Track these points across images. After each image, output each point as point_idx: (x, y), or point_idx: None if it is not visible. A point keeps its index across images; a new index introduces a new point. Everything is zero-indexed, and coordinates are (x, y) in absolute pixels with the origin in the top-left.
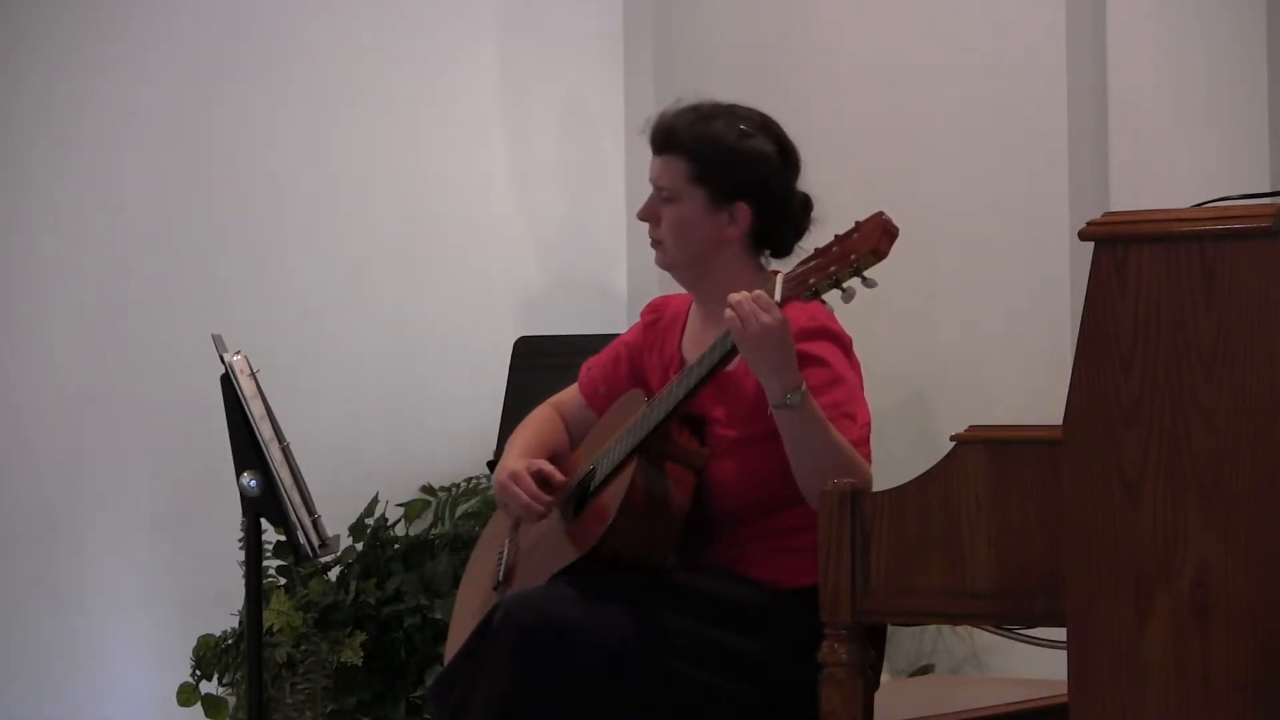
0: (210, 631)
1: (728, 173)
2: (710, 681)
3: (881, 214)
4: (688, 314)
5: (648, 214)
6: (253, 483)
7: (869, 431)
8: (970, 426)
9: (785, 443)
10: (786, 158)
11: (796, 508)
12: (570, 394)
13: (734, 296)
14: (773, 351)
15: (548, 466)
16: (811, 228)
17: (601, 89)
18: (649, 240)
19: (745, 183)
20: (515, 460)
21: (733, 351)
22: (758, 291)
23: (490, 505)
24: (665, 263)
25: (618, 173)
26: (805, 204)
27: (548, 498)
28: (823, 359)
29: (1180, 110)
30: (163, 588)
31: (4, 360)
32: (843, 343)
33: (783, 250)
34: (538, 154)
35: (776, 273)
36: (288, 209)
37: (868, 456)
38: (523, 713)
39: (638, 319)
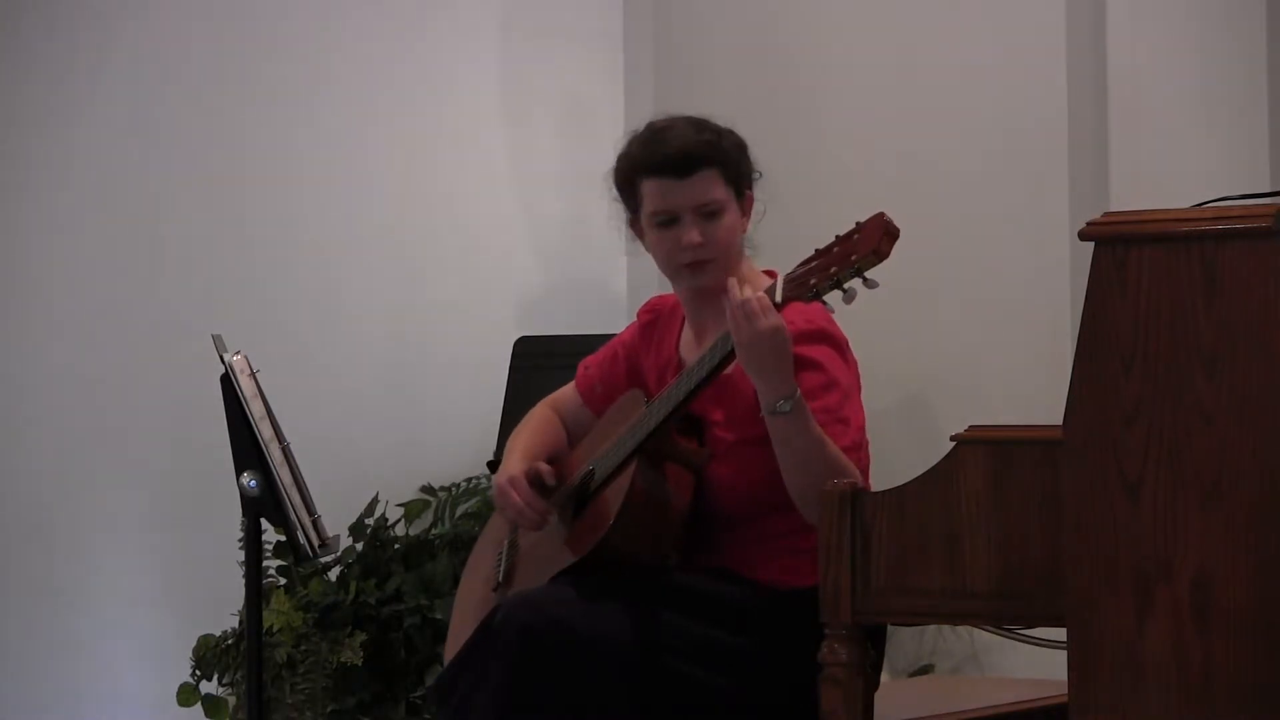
0: (210, 631)
1: (740, 165)
2: (711, 682)
3: (883, 214)
4: (684, 315)
5: (704, 236)
6: (253, 483)
7: (863, 436)
8: (970, 426)
9: (775, 446)
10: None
11: (796, 509)
12: (568, 393)
13: (735, 295)
14: (769, 356)
15: (544, 468)
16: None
17: (601, 89)
18: (691, 269)
19: (749, 170)
20: (515, 465)
21: (733, 353)
22: (759, 293)
23: (490, 505)
24: (713, 280)
25: None
26: None
27: (543, 505)
28: (817, 362)
29: (1180, 110)
30: (163, 588)
31: (4, 360)
32: (838, 344)
33: None
34: (538, 154)
35: (775, 273)
36: (287, 209)
37: (861, 462)
38: (523, 713)
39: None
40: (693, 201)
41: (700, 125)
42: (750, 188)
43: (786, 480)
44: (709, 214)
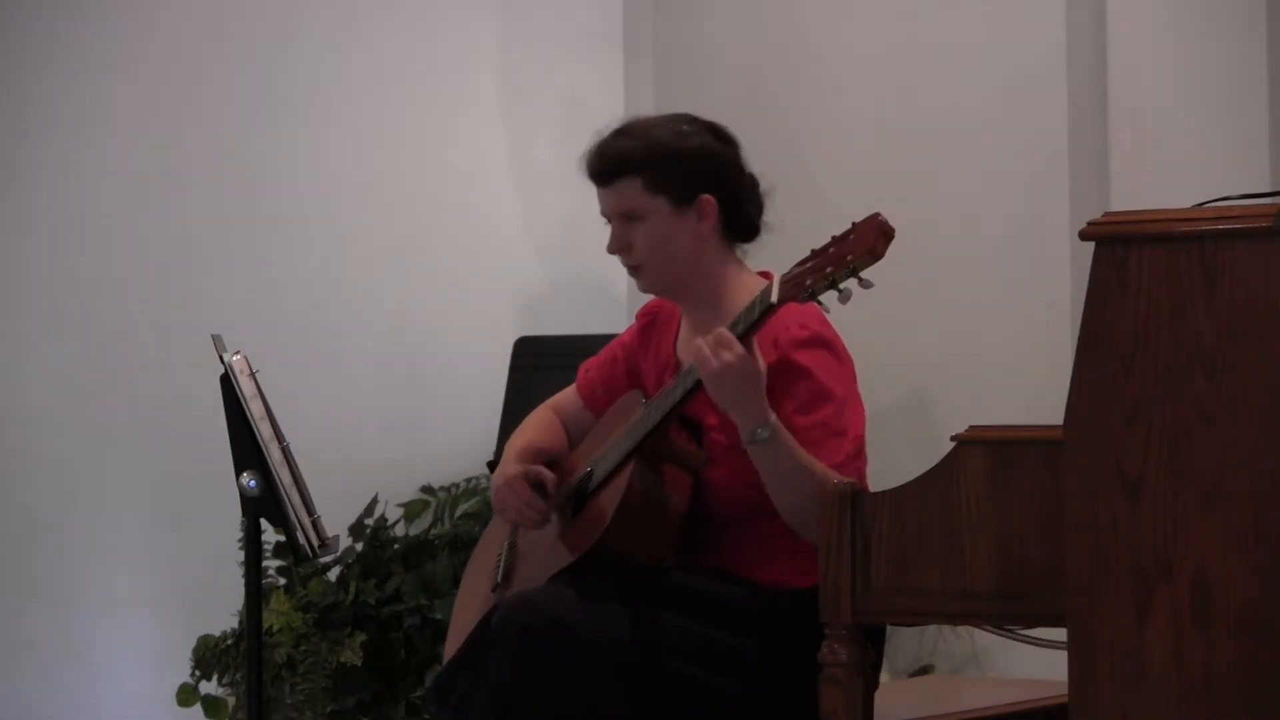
0: (210, 631)
1: (680, 170)
2: (710, 681)
3: (878, 215)
4: (681, 316)
5: (619, 245)
6: (252, 483)
7: (861, 444)
8: (970, 426)
9: (760, 474)
10: (723, 139)
11: None
12: (568, 395)
13: (695, 341)
14: (735, 387)
15: (546, 473)
16: (771, 205)
17: (601, 89)
18: (631, 274)
19: (701, 175)
20: (513, 466)
21: None
22: (719, 329)
23: (490, 505)
24: (649, 285)
25: None
26: (754, 181)
27: (542, 505)
28: (811, 371)
29: (1180, 110)
30: (163, 588)
31: (3, 360)
32: (833, 348)
33: (751, 233)
34: (538, 154)
35: (770, 275)
36: (288, 209)
37: (860, 469)
38: (523, 712)
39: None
40: (613, 209)
41: (630, 132)
42: (709, 192)
43: (775, 502)
44: (630, 220)
